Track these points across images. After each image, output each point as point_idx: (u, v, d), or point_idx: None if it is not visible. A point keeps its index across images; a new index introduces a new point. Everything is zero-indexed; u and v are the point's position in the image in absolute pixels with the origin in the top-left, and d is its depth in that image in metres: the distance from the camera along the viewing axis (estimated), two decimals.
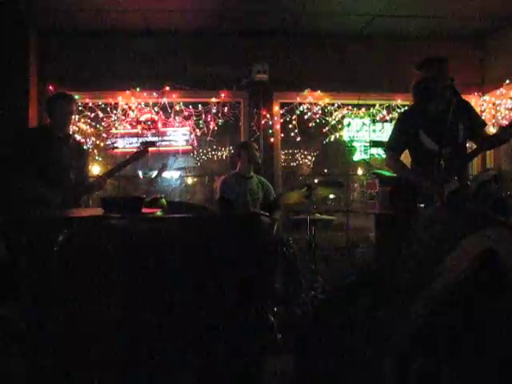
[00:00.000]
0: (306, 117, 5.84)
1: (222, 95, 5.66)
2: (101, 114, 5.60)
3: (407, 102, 5.82)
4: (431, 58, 3.49)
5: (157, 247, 1.92)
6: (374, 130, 6.05)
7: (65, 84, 5.17)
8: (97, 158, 5.76)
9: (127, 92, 5.55)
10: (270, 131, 5.75)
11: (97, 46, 5.54)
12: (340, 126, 5.94)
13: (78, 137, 5.46)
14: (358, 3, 5.01)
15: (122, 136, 5.74)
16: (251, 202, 4.59)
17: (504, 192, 3.80)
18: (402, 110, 5.87)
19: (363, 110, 5.94)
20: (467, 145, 3.65)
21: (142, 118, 5.70)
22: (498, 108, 5.73)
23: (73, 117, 3.96)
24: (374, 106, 5.95)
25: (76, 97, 3.99)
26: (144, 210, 2.27)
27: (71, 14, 5.07)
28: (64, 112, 3.71)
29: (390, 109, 5.94)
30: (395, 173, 3.80)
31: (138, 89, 5.54)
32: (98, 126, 5.62)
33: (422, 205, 3.26)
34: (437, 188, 3.20)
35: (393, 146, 3.71)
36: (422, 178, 3.35)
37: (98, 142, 5.66)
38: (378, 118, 5.98)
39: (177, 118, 5.70)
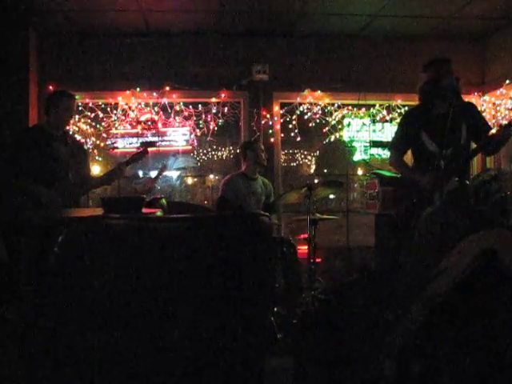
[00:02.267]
0: (306, 117, 5.84)
1: (222, 95, 5.66)
2: (101, 114, 5.60)
3: (407, 102, 5.83)
4: (434, 59, 3.51)
5: (157, 247, 1.92)
6: (374, 130, 6.05)
7: (65, 84, 5.16)
8: (97, 158, 5.76)
9: (127, 92, 5.55)
10: (270, 131, 5.75)
11: (97, 45, 5.54)
12: (340, 126, 5.94)
13: (77, 137, 5.46)
14: (358, 3, 5.01)
15: (122, 136, 5.74)
16: (255, 203, 4.58)
17: (504, 192, 3.80)
18: (403, 109, 5.88)
19: (363, 110, 5.94)
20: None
21: (142, 118, 5.70)
22: (498, 108, 5.73)
23: (73, 115, 3.97)
24: (374, 106, 5.95)
25: (76, 97, 3.99)
26: (144, 210, 2.27)
27: (71, 14, 5.07)
28: (65, 109, 3.70)
29: (390, 109, 5.94)
30: (398, 172, 3.81)
31: (138, 89, 5.54)
32: (98, 126, 5.62)
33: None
34: (436, 187, 3.21)
35: (396, 146, 3.73)
36: (421, 175, 3.37)
37: (98, 142, 5.66)
38: (377, 118, 5.98)
39: (177, 118, 5.70)
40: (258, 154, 4.64)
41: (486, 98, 5.86)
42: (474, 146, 3.57)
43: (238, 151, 5.31)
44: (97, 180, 4.08)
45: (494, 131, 3.41)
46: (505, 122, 4.13)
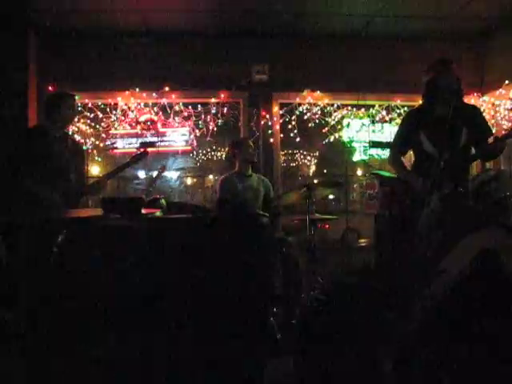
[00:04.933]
0: (305, 117, 5.84)
1: (222, 95, 5.67)
2: (100, 115, 5.59)
3: (407, 103, 5.84)
4: (435, 60, 3.51)
5: (156, 247, 1.92)
6: (373, 131, 6.04)
7: (65, 84, 5.15)
8: (96, 158, 5.75)
9: (127, 92, 5.55)
10: (270, 131, 5.75)
11: (96, 46, 5.54)
12: (339, 127, 5.94)
13: (77, 137, 5.46)
14: (357, 3, 5.01)
15: (122, 136, 5.74)
16: (253, 200, 4.57)
17: (504, 192, 3.79)
18: (403, 110, 5.89)
19: (363, 110, 5.94)
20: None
21: (142, 119, 5.70)
22: (497, 109, 5.73)
23: (75, 115, 3.97)
24: (373, 106, 5.95)
25: (76, 97, 3.98)
26: (144, 211, 2.27)
27: (71, 14, 5.07)
28: (68, 110, 3.70)
29: (389, 109, 5.94)
30: (394, 172, 3.81)
31: (137, 89, 5.54)
32: (97, 126, 5.61)
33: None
34: (430, 189, 3.21)
35: (395, 146, 3.74)
36: (413, 179, 3.38)
37: (97, 143, 5.65)
38: (377, 119, 5.98)
39: (176, 118, 5.70)
40: (245, 151, 4.64)
41: (486, 98, 5.86)
42: (473, 150, 3.56)
43: (227, 152, 5.31)
44: (85, 187, 4.01)
45: (490, 140, 3.39)
46: (502, 132, 4.14)
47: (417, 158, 3.64)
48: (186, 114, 5.69)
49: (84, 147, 5.31)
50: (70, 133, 5.29)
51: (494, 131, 5.61)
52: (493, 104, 5.79)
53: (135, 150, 5.02)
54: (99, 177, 4.16)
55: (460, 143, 3.38)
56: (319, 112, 5.85)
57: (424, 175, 3.33)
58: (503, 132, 5.40)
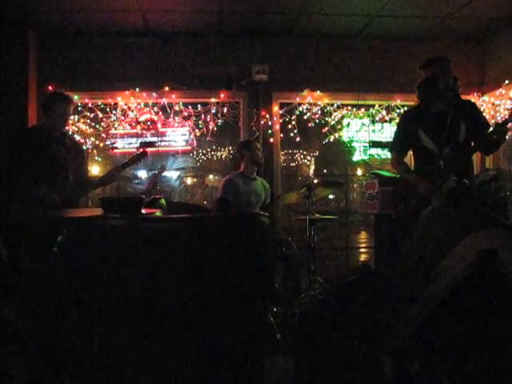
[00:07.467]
0: (305, 117, 5.84)
1: (222, 95, 5.67)
2: (100, 115, 5.59)
3: (406, 103, 5.83)
4: (433, 58, 3.51)
5: (156, 247, 1.92)
6: (373, 131, 6.04)
7: (64, 84, 5.16)
8: (96, 158, 5.75)
9: (126, 92, 5.55)
10: (270, 131, 5.75)
11: (96, 45, 5.54)
12: (339, 127, 5.94)
13: (77, 137, 5.46)
14: (357, 3, 5.01)
15: (122, 136, 5.73)
16: (255, 203, 4.58)
17: (503, 192, 3.80)
18: (402, 110, 5.88)
19: (362, 110, 5.94)
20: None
21: (142, 119, 5.70)
22: (497, 108, 5.73)
23: (70, 117, 3.97)
24: (373, 106, 5.95)
25: (75, 97, 3.99)
26: (143, 211, 2.27)
27: (71, 14, 5.07)
28: (62, 112, 3.70)
29: (389, 109, 5.94)
30: (397, 173, 3.81)
31: (137, 89, 5.54)
32: (97, 126, 5.61)
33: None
34: (435, 189, 3.20)
35: (396, 148, 3.73)
36: (420, 179, 3.37)
37: (97, 143, 5.65)
38: (377, 119, 5.98)
39: (176, 118, 5.70)
40: (254, 152, 4.64)
41: (486, 98, 5.86)
42: (473, 144, 3.56)
43: (235, 152, 5.31)
44: (96, 181, 4.07)
45: (490, 130, 3.39)
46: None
47: (417, 156, 3.64)
48: (185, 113, 5.69)
49: (84, 147, 5.31)
50: (70, 133, 5.30)
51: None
52: (493, 104, 5.79)
53: (135, 149, 5.02)
54: (97, 177, 4.17)
55: (459, 137, 3.38)
56: (319, 112, 5.84)
57: (426, 174, 3.33)
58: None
